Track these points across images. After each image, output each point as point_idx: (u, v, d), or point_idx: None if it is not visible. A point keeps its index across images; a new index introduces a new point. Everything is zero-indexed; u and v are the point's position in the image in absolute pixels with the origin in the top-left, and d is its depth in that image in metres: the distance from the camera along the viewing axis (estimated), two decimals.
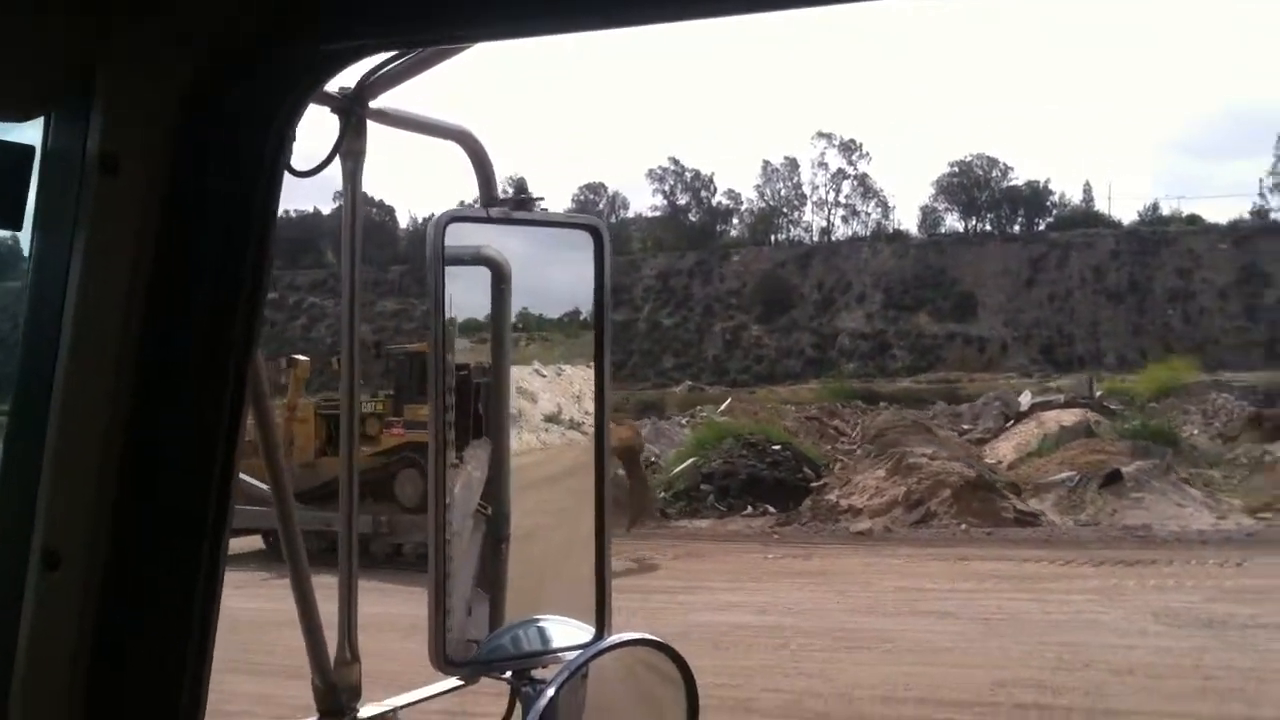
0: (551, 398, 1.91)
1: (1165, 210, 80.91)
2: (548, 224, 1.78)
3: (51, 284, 1.09)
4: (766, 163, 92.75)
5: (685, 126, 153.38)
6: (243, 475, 1.29)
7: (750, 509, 24.58)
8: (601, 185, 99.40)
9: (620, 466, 23.47)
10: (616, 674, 1.66)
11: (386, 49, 1.35)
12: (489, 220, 1.70)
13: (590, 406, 1.82)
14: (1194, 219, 77.56)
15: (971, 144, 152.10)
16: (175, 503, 1.14)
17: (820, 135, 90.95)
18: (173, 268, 1.10)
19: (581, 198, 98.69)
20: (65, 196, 1.08)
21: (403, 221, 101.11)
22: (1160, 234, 75.17)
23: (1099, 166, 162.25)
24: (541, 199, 1.73)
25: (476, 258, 1.74)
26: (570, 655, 1.61)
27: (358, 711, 1.61)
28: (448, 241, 1.60)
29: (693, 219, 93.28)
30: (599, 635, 1.73)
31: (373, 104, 1.57)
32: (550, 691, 1.49)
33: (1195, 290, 71.07)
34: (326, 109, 1.54)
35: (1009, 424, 34.62)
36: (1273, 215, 78.70)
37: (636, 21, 1.02)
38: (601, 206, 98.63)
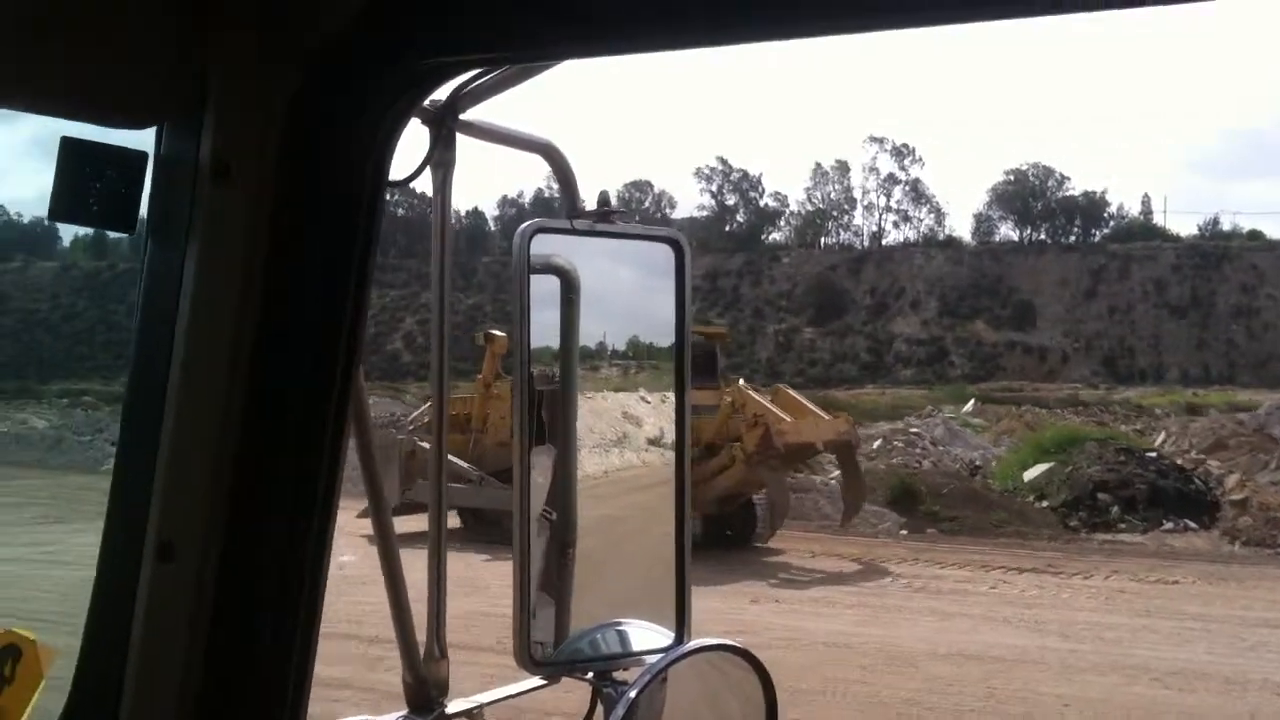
0: (656, 422, 1.94)
1: (1225, 225, 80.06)
2: (630, 236, 1.80)
3: (165, 286, 1.14)
4: (818, 165, 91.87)
5: (734, 126, 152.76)
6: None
7: (1170, 524, 22.40)
8: (648, 183, 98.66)
9: (829, 460, 22.90)
10: (697, 679, 1.64)
11: (481, 65, 1.39)
12: (572, 232, 1.72)
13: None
14: (1256, 234, 76.20)
15: (1027, 153, 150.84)
16: (284, 500, 1.18)
17: (872, 139, 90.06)
18: (283, 273, 1.14)
19: (627, 195, 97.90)
20: (178, 202, 1.12)
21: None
22: (1222, 249, 73.86)
23: (1150, 178, 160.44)
24: (624, 210, 1.74)
25: (546, 266, 1.73)
26: (651, 658, 1.62)
27: (445, 707, 1.62)
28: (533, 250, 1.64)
29: (740, 220, 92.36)
30: (679, 639, 1.73)
31: (462, 116, 1.60)
32: (632, 694, 1.51)
33: (1259, 306, 69.76)
34: (418, 120, 1.53)
35: None
36: None
37: (703, 44, 1.02)
38: (647, 205, 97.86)
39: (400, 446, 20.53)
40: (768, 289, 78.87)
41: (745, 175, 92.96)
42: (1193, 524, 22.22)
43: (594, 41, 1.10)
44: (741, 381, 22.74)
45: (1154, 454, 25.51)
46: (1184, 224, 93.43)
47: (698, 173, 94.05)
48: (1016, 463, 27.05)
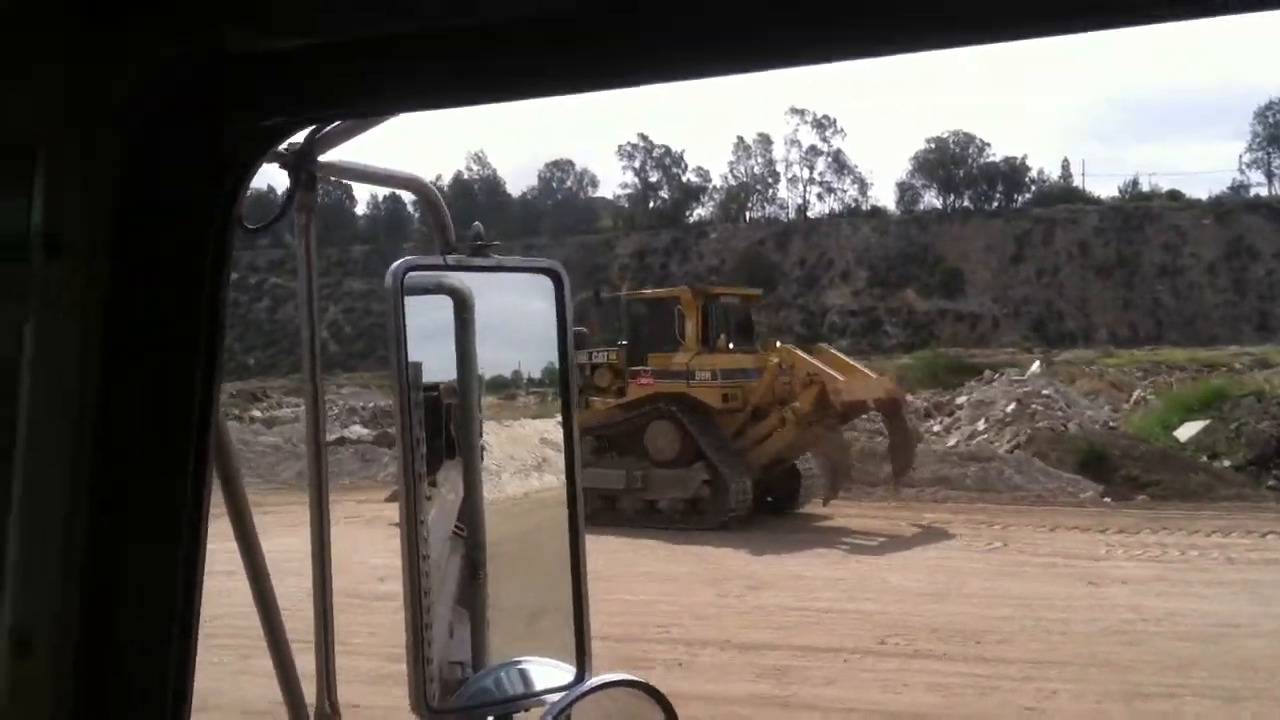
0: None
1: (1145, 187, 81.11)
2: (507, 269, 1.76)
3: (3, 370, 1.08)
4: (740, 139, 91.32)
5: (655, 103, 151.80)
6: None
7: None
8: (569, 162, 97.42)
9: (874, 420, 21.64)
10: (600, 715, 1.61)
11: (326, 121, 1.37)
12: (446, 268, 1.71)
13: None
14: (1175, 194, 77.29)
15: (947, 121, 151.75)
16: (145, 576, 1.13)
17: (794, 111, 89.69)
18: (126, 342, 1.10)
19: (548, 175, 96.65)
20: (12, 279, 1.07)
21: (361, 198, 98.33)
22: (1143, 210, 74.81)
23: (1066, 143, 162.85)
24: (497, 244, 1.72)
25: (440, 287, 1.72)
26: (554, 698, 1.60)
27: None
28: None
29: (664, 196, 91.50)
30: (580, 676, 1.69)
31: (323, 158, 1.57)
32: None
33: (1183, 265, 70.77)
34: (275, 165, 1.54)
35: None
36: (1254, 191, 79.49)
37: (564, 90, 1.03)
38: (569, 184, 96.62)
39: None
40: (697, 264, 78.30)
41: (668, 151, 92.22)
42: None
43: (436, 95, 1.07)
44: (778, 343, 21.78)
45: None
46: (1102, 187, 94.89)
47: (620, 150, 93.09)
48: (1158, 422, 25.55)
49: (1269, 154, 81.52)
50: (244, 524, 1.57)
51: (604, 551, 14.48)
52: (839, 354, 21.09)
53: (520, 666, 1.72)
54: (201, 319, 1.11)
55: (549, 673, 1.71)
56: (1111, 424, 26.41)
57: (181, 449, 1.12)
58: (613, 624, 10.46)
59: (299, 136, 1.49)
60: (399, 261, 1.60)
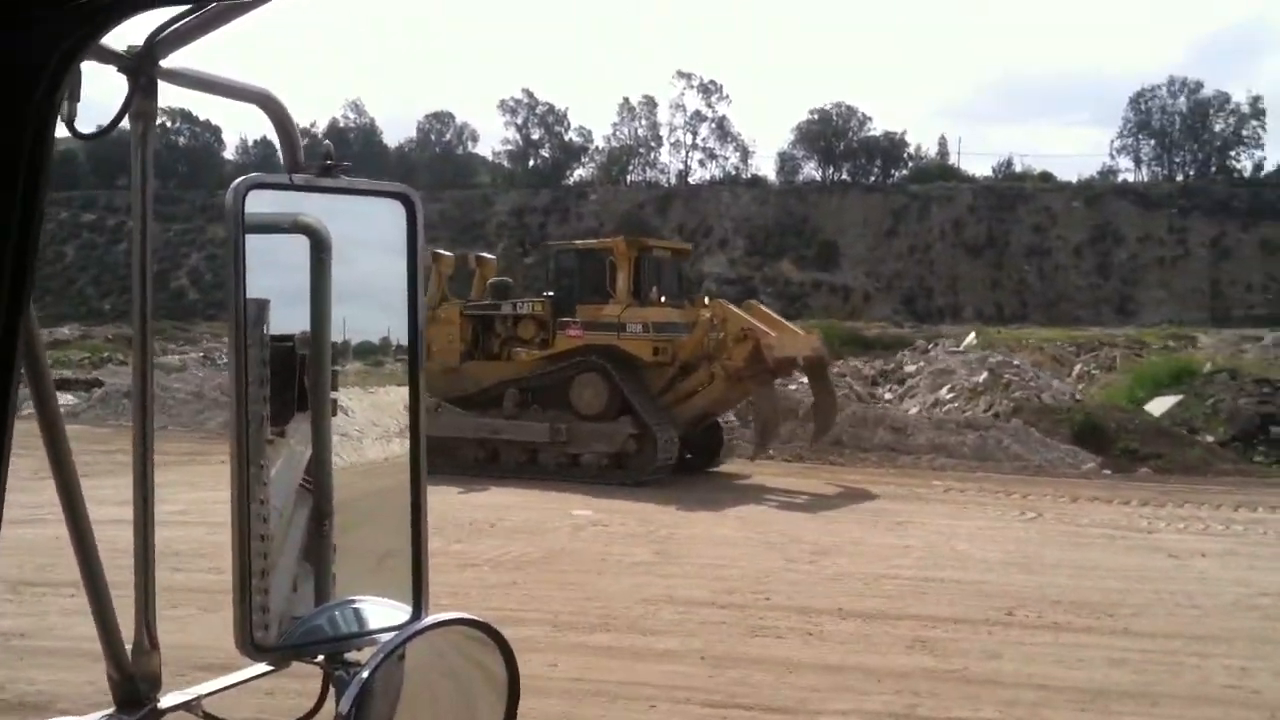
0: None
1: (1018, 167, 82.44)
2: (356, 192, 1.64)
3: None
4: (625, 100, 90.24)
5: (540, 58, 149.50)
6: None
7: None
8: (450, 114, 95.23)
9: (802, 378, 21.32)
10: (435, 655, 1.57)
11: (165, 4, 1.20)
12: (292, 187, 1.58)
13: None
14: (1047, 176, 78.73)
15: (831, 91, 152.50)
16: None
17: (680, 75, 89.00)
18: None
19: (427, 127, 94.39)
20: None
21: (230, 141, 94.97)
22: (1016, 190, 75.97)
23: (953, 119, 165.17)
24: (348, 164, 1.60)
25: (294, 225, 1.59)
26: (386, 636, 1.55)
27: (158, 702, 1.50)
28: (260, 209, 1.51)
29: (545, 155, 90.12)
30: (416, 615, 1.65)
31: (164, 63, 1.44)
32: (364, 674, 1.44)
33: (1050, 247, 72.06)
34: (114, 69, 1.43)
35: None
36: (1122, 177, 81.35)
37: None
38: (448, 138, 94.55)
39: None
40: (575, 225, 77.26)
41: (551, 109, 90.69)
42: None
43: None
44: (708, 298, 21.44)
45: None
46: (974, 165, 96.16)
47: (502, 105, 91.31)
48: (1124, 395, 25.54)
49: (1138, 139, 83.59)
50: (60, 456, 1.41)
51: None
52: (770, 311, 20.85)
53: (355, 605, 1.66)
54: (14, 215, 1.02)
55: (384, 612, 1.65)
56: (1077, 396, 26.50)
57: None
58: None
59: (138, 37, 1.37)
60: (240, 179, 1.50)
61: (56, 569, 10.08)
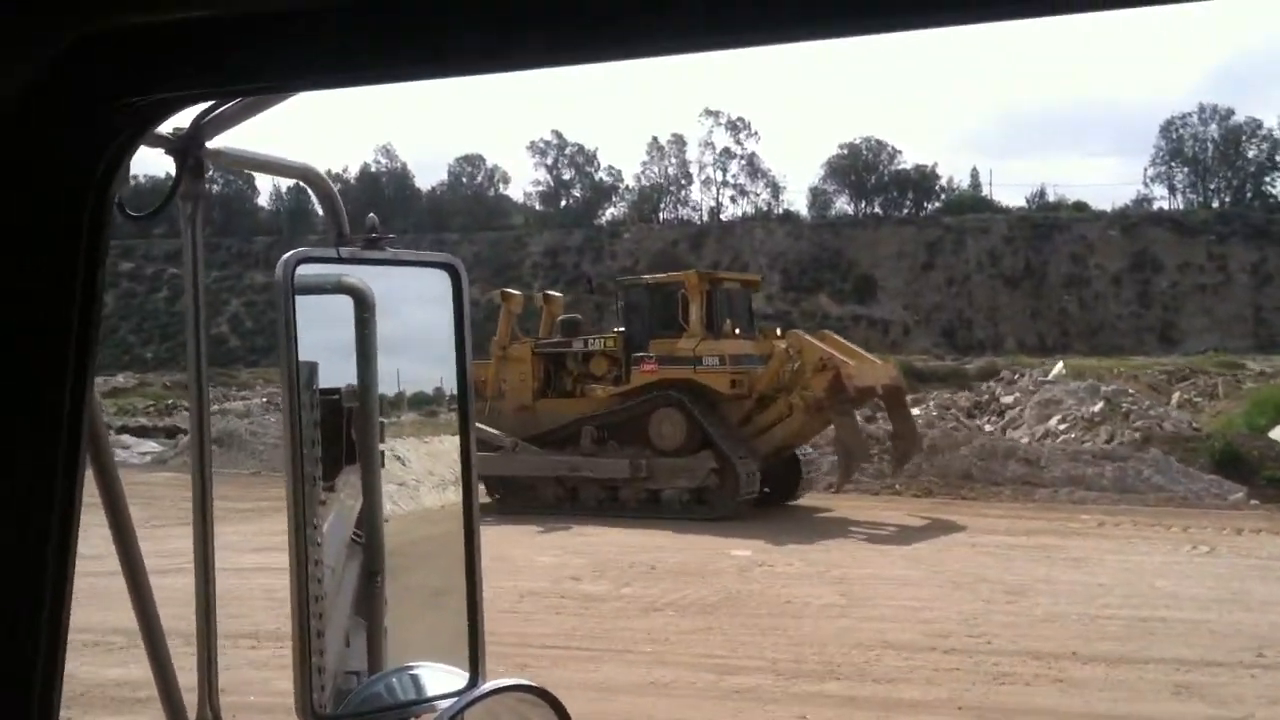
0: None
1: (1051, 197, 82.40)
2: (403, 263, 1.68)
3: None
4: (654, 139, 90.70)
5: (569, 100, 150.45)
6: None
7: None
8: (480, 158, 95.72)
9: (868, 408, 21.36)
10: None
11: (209, 99, 1.31)
12: (339, 260, 1.62)
13: None
14: (1081, 205, 78.62)
15: (860, 127, 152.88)
16: (9, 584, 1.06)
17: (708, 113, 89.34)
18: None
19: (458, 170, 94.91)
20: None
21: (264, 188, 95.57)
22: (1051, 220, 75.88)
23: (977, 153, 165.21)
24: (392, 236, 1.64)
25: (338, 287, 1.64)
26: (445, 703, 1.56)
27: None
28: (307, 273, 1.53)
29: (576, 195, 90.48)
30: (474, 681, 1.66)
31: (210, 144, 1.50)
32: None
33: (1089, 276, 71.87)
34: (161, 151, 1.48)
35: None
36: (1157, 204, 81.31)
37: (469, 71, 1.01)
38: (479, 180, 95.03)
39: None
40: (610, 265, 77.47)
41: (581, 149, 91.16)
42: None
43: (326, 73, 1.01)
44: (778, 330, 21.36)
45: None
46: (1006, 197, 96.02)
47: (532, 146, 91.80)
48: (1242, 423, 25.10)
49: (1171, 168, 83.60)
50: (121, 523, 1.48)
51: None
52: (843, 340, 20.76)
53: (413, 672, 1.67)
54: (75, 309, 1.05)
55: (442, 678, 1.67)
56: (1194, 425, 25.85)
57: (50, 446, 1.05)
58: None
59: (185, 121, 1.42)
60: (290, 253, 1.52)
61: (236, 619, 9.39)
